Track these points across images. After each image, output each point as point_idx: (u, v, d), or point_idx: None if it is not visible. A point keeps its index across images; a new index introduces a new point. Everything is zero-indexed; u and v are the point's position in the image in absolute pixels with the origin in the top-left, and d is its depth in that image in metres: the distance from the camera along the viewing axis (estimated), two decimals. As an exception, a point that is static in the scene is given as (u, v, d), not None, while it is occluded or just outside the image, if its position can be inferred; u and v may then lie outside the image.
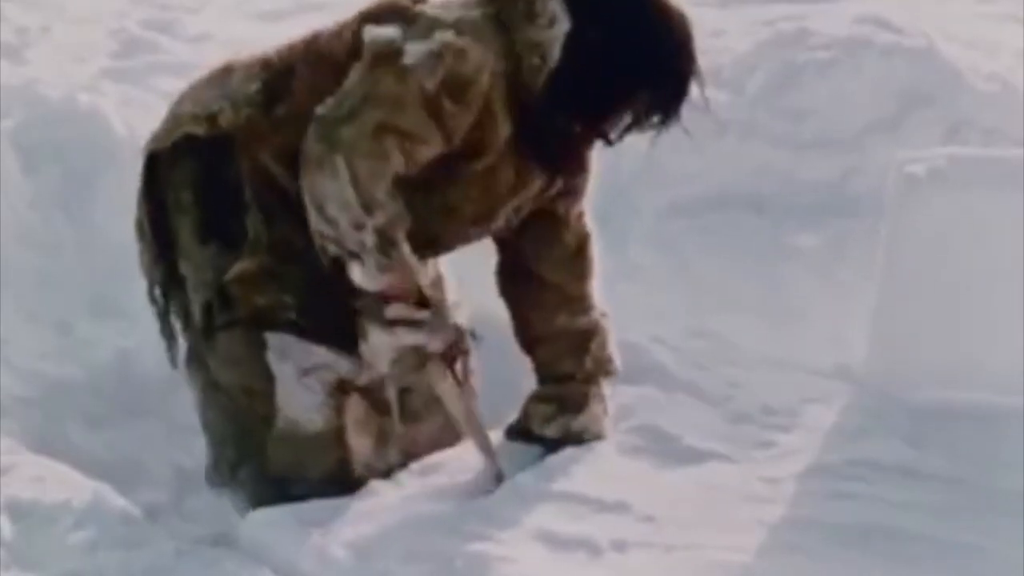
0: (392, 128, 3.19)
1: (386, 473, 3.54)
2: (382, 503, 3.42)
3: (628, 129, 3.38)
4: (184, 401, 3.73)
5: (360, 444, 3.54)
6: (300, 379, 3.46)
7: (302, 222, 3.28)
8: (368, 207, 3.19)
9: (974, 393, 3.75)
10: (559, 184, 3.53)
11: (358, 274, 3.25)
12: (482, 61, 3.24)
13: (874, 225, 4.02)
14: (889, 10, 5.35)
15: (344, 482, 3.47)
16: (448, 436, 3.63)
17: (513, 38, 3.26)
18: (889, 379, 3.86)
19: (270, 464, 3.52)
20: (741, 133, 4.98)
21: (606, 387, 3.69)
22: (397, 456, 3.59)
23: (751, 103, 5.05)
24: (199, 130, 3.50)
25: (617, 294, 4.48)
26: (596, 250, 3.69)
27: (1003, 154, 4.12)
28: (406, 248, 3.26)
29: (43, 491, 3.39)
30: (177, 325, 3.65)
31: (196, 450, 4.12)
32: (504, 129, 3.32)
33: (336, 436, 3.50)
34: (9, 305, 4.22)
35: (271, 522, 3.38)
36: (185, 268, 3.58)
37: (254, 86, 3.48)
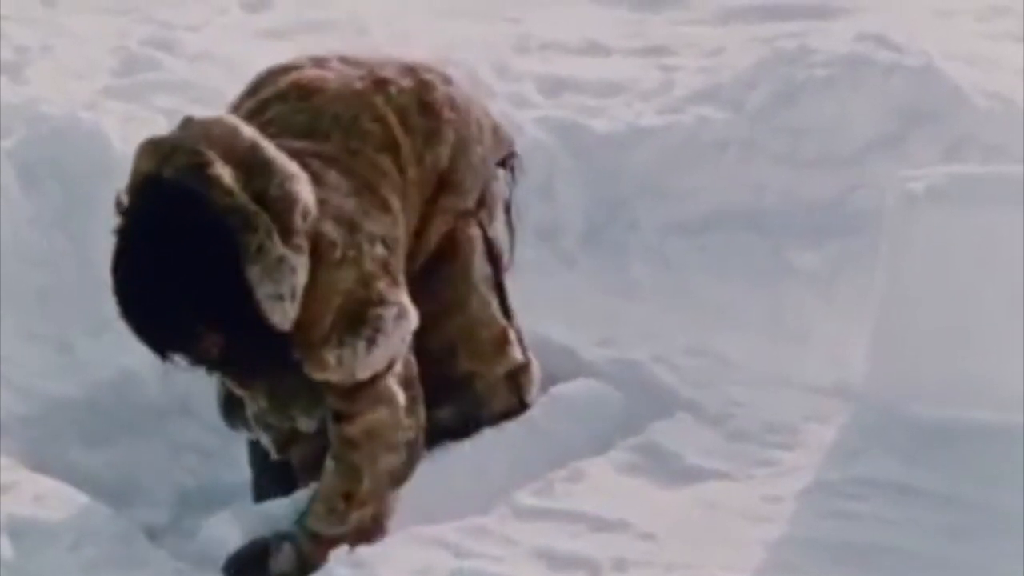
0: None
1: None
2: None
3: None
4: (183, 420, 3.73)
5: None
6: None
7: None
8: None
9: (974, 411, 3.73)
10: None
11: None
12: None
13: (874, 243, 4.02)
14: (889, 28, 5.34)
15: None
16: None
17: None
18: (889, 397, 3.85)
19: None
20: (741, 151, 4.97)
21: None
22: None
23: (751, 121, 5.04)
24: None
25: (617, 312, 4.50)
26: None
27: (1004, 171, 4.11)
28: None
29: (43, 510, 3.39)
30: None
31: (196, 470, 4.13)
32: None
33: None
34: (9, 323, 4.21)
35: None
36: None
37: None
